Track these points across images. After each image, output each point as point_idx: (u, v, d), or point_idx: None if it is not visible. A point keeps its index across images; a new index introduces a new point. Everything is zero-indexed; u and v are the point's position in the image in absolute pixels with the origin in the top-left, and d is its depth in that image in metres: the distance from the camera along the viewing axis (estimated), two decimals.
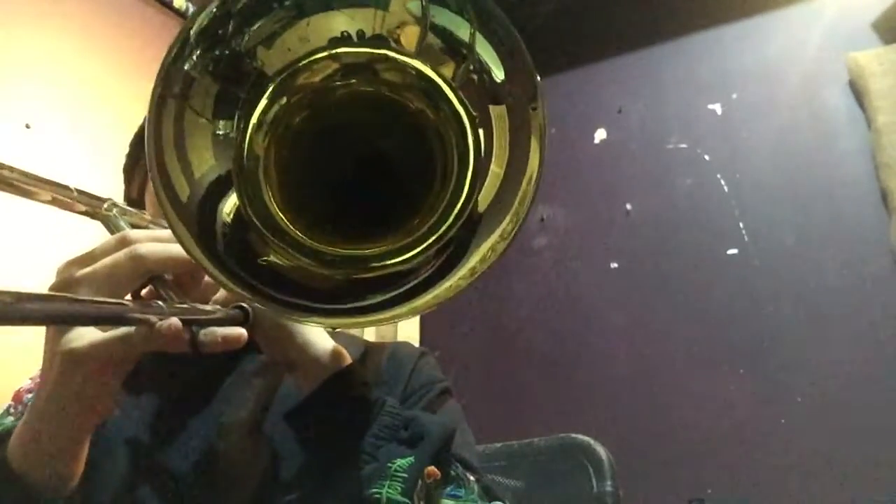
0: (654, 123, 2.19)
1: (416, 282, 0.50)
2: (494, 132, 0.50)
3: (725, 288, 1.94)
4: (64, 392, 0.49)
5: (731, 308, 1.92)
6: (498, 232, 0.49)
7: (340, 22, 0.49)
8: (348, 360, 0.63)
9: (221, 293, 0.58)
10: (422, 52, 0.50)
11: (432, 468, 0.55)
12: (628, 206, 2.15)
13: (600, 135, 2.26)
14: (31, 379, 0.77)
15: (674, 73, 2.19)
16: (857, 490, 1.63)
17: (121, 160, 0.82)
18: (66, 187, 0.54)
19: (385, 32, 0.50)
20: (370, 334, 1.97)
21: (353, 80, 0.52)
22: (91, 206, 0.57)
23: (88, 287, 0.49)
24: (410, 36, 0.50)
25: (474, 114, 0.50)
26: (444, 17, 0.49)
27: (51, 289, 0.51)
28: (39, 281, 0.53)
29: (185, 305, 0.50)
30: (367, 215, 0.56)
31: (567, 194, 2.23)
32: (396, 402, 0.63)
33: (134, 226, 0.59)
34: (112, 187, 0.80)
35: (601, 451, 0.99)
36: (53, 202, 0.54)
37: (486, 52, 0.50)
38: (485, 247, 0.49)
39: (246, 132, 0.49)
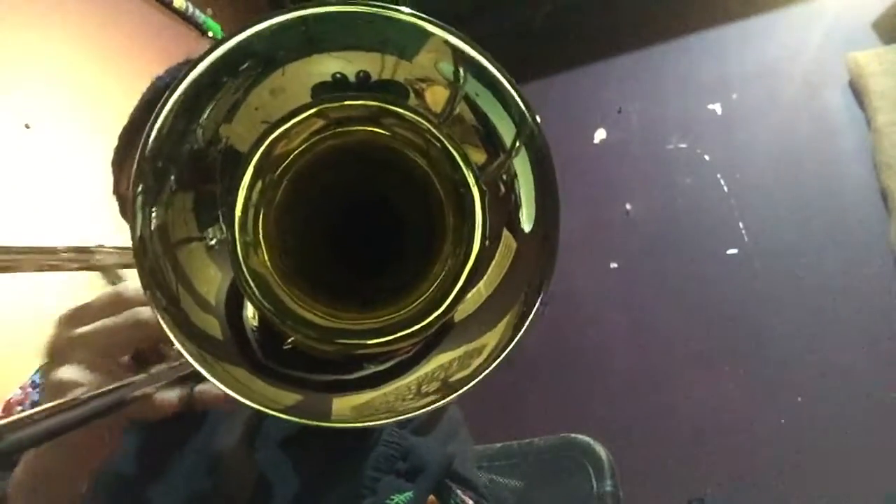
0: (654, 123, 2.19)
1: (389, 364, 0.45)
2: (497, 256, 0.44)
3: (725, 288, 1.94)
4: (57, 454, 0.48)
5: (731, 308, 1.92)
6: (461, 349, 0.44)
7: (331, 65, 0.42)
8: None
9: None
10: (447, 123, 0.42)
11: (432, 498, 0.55)
12: (628, 206, 2.15)
13: (600, 135, 2.26)
14: (21, 388, 0.74)
15: (674, 73, 2.19)
16: (857, 490, 1.63)
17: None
18: (51, 250, 0.51)
19: (403, 80, 0.42)
20: None
21: (351, 132, 0.45)
22: (82, 260, 0.54)
23: (86, 351, 0.48)
24: (436, 97, 0.42)
25: (488, 220, 0.44)
26: (488, 103, 0.42)
27: (47, 350, 0.49)
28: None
29: (180, 364, 0.48)
30: (355, 290, 0.52)
31: (567, 194, 2.20)
32: (395, 428, 0.61)
33: (127, 266, 0.55)
34: (111, 187, 0.80)
35: (601, 451, 0.99)
36: (41, 269, 0.51)
37: (523, 183, 0.43)
38: (440, 359, 0.44)
39: (234, 230, 0.44)
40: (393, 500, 0.54)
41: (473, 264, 0.44)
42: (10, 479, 0.51)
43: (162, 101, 0.39)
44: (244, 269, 0.44)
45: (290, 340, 0.45)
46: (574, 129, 2.28)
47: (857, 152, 1.87)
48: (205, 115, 0.41)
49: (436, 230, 0.47)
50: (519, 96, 0.42)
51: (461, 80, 0.41)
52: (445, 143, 0.43)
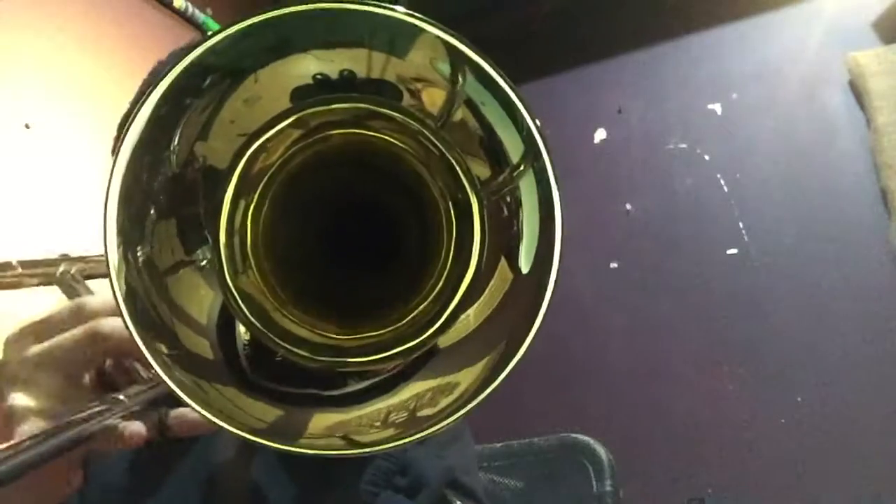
0: (654, 123, 2.19)
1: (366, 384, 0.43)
2: (491, 286, 0.41)
3: (725, 288, 1.94)
4: None
5: (731, 308, 1.92)
6: (438, 381, 0.41)
7: (310, 65, 0.39)
8: None
9: None
10: (447, 127, 0.39)
11: None
12: (628, 206, 2.15)
13: (600, 135, 2.26)
14: None
15: (674, 73, 2.19)
16: (857, 490, 1.63)
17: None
18: (6, 265, 0.48)
19: (395, 79, 0.39)
20: None
21: (338, 136, 0.42)
22: (43, 275, 0.51)
23: (41, 373, 0.44)
24: (434, 98, 0.39)
25: (487, 234, 0.41)
26: (494, 113, 0.38)
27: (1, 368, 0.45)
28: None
29: (146, 389, 0.45)
30: (349, 303, 0.50)
31: (567, 194, 2.22)
32: None
33: (91, 277, 0.52)
34: None
35: (601, 451, 0.99)
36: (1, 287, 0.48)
37: (528, 211, 0.39)
38: (417, 387, 0.41)
39: (219, 253, 0.42)
40: None
41: (469, 284, 0.42)
42: None
43: (119, 143, 0.37)
44: (232, 289, 0.43)
45: (279, 355, 0.44)
46: (574, 129, 2.28)
47: (857, 152, 1.87)
48: (175, 142, 0.39)
49: (431, 242, 0.44)
50: (527, 111, 0.38)
51: (461, 82, 0.38)
52: (442, 148, 0.40)
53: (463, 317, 0.42)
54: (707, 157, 2.08)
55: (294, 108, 0.40)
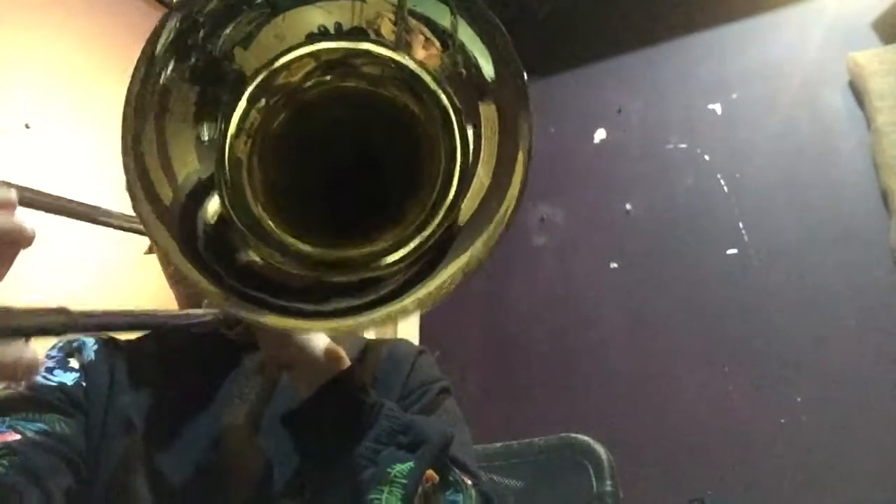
0: (654, 123, 2.19)
1: (384, 291, 0.47)
2: (483, 133, 0.48)
3: (725, 288, 1.94)
4: None
5: (731, 308, 1.92)
6: (481, 241, 0.46)
7: (317, 17, 0.48)
8: (347, 362, 0.62)
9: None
10: (403, 44, 0.48)
11: (431, 472, 0.55)
12: (628, 206, 2.15)
13: (600, 135, 2.26)
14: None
15: (674, 73, 2.19)
16: (857, 490, 1.63)
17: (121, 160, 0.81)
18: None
19: (364, 24, 0.48)
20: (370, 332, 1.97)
21: (334, 77, 0.51)
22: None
23: None
24: (390, 27, 0.48)
25: (460, 107, 0.48)
26: (427, 5, 0.47)
27: None
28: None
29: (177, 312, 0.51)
30: (351, 217, 0.54)
31: (567, 194, 2.22)
32: (395, 405, 0.62)
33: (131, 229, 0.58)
34: (112, 186, 0.80)
35: (601, 451, 0.99)
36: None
37: (474, 46, 0.47)
38: (464, 257, 0.46)
39: (226, 135, 0.49)
40: (394, 468, 0.55)
41: (462, 158, 0.48)
42: None
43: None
44: (226, 169, 0.49)
45: (244, 258, 0.49)
46: (574, 129, 2.28)
47: (857, 152, 1.87)
48: (228, 30, 0.47)
49: (417, 147, 0.51)
50: None
51: (404, 4, 0.47)
52: (403, 61, 0.49)
53: (476, 182, 0.48)
54: (707, 157, 2.08)
55: (303, 43, 0.49)
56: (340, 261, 0.50)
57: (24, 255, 0.46)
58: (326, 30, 0.49)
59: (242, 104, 0.49)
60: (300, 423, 0.60)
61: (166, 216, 0.46)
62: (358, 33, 0.49)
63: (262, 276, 0.49)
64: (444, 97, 0.48)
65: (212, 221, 0.49)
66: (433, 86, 0.49)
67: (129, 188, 0.45)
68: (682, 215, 2.06)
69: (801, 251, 1.88)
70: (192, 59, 0.46)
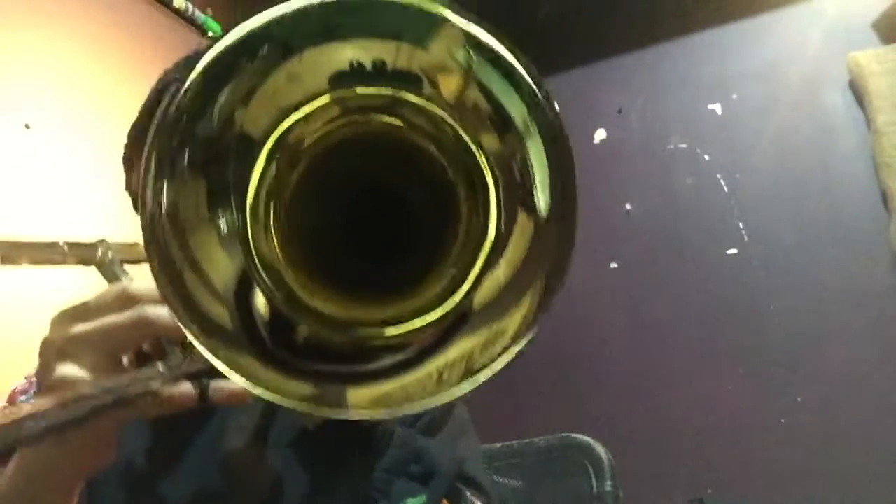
0: (654, 123, 2.19)
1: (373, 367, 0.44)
2: (513, 241, 0.43)
3: (725, 288, 1.94)
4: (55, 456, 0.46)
5: (731, 308, 1.92)
6: (483, 335, 0.42)
7: (347, 52, 0.41)
8: None
9: None
10: (459, 110, 0.42)
11: (444, 502, 0.55)
12: (628, 206, 2.15)
13: (600, 135, 2.26)
14: (26, 378, 0.74)
15: (674, 73, 2.19)
16: (856, 490, 1.63)
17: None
18: (54, 245, 0.50)
19: (419, 71, 0.41)
20: None
21: (365, 121, 0.45)
22: (83, 256, 0.53)
23: (87, 349, 0.46)
24: (451, 86, 0.42)
25: (503, 196, 0.43)
26: (499, 86, 0.42)
27: (43, 349, 0.47)
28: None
29: (187, 361, 0.47)
30: (370, 280, 0.51)
31: None
32: (405, 430, 0.61)
33: (128, 262, 0.54)
34: (112, 187, 0.80)
35: (601, 451, 0.99)
36: (39, 263, 0.50)
37: (536, 159, 0.42)
38: (461, 346, 0.43)
39: (245, 217, 0.43)
40: (405, 502, 0.54)
41: (490, 248, 0.43)
42: None
43: (179, 79, 0.38)
44: (255, 257, 0.43)
45: (302, 333, 0.44)
46: (574, 129, 2.23)
47: (857, 152, 1.87)
48: (222, 98, 0.40)
49: (450, 217, 0.46)
50: (530, 76, 0.42)
51: (474, 66, 0.41)
52: (458, 129, 0.43)
53: (492, 277, 0.44)
54: (707, 157, 2.08)
55: (329, 88, 0.42)
56: (359, 322, 0.46)
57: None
58: (361, 66, 0.42)
59: (255, 174, 0.43)
60: (309, 448, 0.59)
61: (232, 340, 0.41)
62: (408, 79, 0.42)
63: (322, 347, 0.45)
64: (491, 182, 0.43)
65: (266, 317, 0.44)
66: (484, 165, 0.43)
67: (181, 321, 0.39)
68: (682, 215, 2.06)
69: (801, 251, 1.88)
70: (185, 159, 0.40)
